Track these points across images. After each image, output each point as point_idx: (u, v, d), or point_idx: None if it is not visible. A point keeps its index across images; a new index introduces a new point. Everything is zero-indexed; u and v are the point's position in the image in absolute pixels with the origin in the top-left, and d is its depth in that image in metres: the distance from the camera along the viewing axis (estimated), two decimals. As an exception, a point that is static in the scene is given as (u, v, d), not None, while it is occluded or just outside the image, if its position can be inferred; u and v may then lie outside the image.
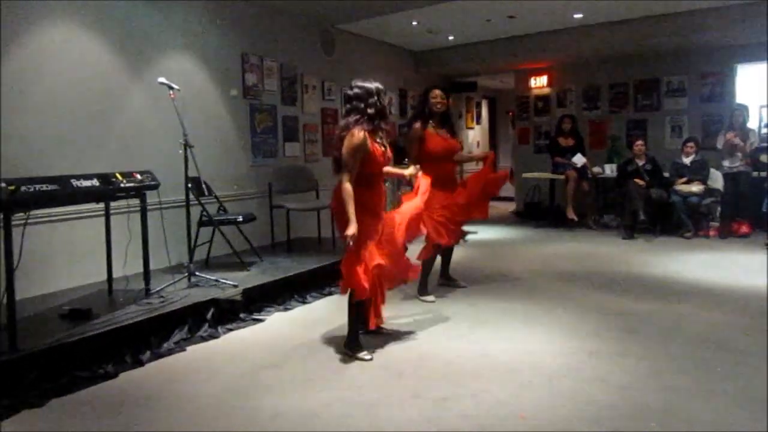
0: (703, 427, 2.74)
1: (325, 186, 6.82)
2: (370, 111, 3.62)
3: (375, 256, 3.62)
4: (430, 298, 5.10)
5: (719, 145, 7.96)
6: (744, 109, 8.06)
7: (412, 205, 4.04)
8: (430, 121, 4.93)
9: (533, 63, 10.51)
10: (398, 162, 6.15)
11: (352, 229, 3.48)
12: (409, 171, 4.13)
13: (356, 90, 3.67)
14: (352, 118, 3.63)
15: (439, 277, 5.54)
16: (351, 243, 3.51)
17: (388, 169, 3.98)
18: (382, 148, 3.71)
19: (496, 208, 12.84)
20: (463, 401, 3.07)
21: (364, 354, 3.71)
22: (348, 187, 3.54)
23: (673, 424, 2.77)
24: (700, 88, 9.31)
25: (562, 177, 9.03)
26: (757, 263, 6.23)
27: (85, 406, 3.14)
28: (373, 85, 3.67)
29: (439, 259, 5.34)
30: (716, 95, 9.17)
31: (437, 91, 4.95)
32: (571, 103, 10.51)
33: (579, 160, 8.88)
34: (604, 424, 2.79)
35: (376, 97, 3.65)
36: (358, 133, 3.55)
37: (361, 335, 3.87)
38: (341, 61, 8.45)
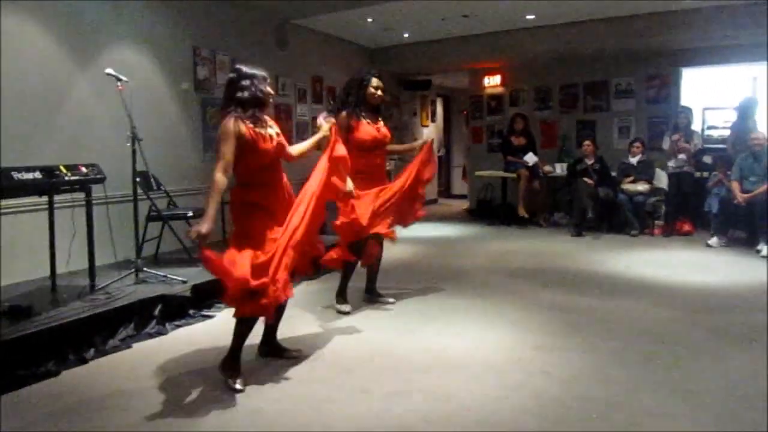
0: (645, 417, 2.82)
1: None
2: (239, 95, 3.21)
3: (245, 260, 3.04)
4: (346, 307, 4.62)
5: (665, 145, 8.19)
6: (688, 111, 8.31)
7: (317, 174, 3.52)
8: (361, 111, 4.42)
9: (487, 62, 10.63)
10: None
11: (204, 227, 2.96)
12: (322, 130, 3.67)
13: (231, 75, 3.33)
14: (226, 107, 3.26)
15: (364, 291, 4.97)
16: (196, 240, 3.00)
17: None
18: (269, 136, 3.28)
19: (450, 205, 12.99)
20: (412, 396, 3.09)
21: (235, 383, 3.19)
22: (218, 177, 3.08)
23: (615, 415, 2.84)
24: (646, 91, 9.57)
25: (514, 176, 9.17)
26: (698, 261, 6.45)
27: (25, 405, 3.05)
28: (252, 70, 3.30)
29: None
30: (662, 97, 9.44)
31: (377, 81, 4.46)
32: (524, 103, 10.65)
33: (531, 159, 9.03)
34: (548, 416, 2.85)
35: (249, 81, 3.24)
36: (227, 122, 3.15)
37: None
38: (295, 56, 8.40)
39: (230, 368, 3.26)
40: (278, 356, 3.63)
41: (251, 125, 3.19)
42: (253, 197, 3.26)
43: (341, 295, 4.69)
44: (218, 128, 3.22)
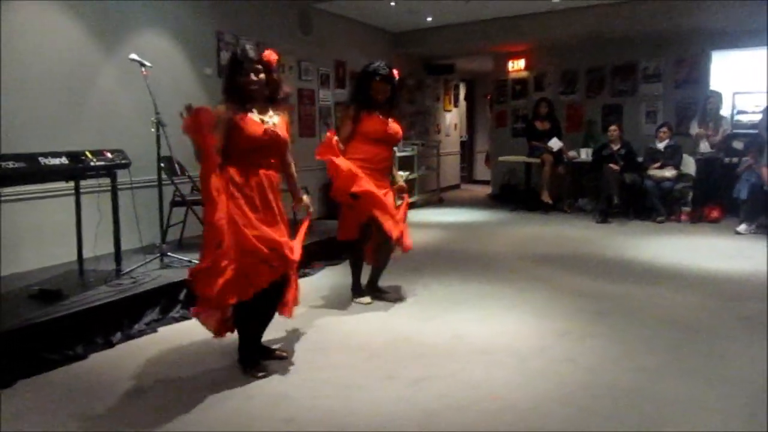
0: (673, 405, 2.78)
1: (301, 166, 6.77)
2: (230, 84, 3.11)
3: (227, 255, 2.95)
4: (365, 299, 4.54)
5: (692, 131, 8.04)
6: (717, 96, 8.14)
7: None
8: (372, 106, 4.30)
9: (511, 46, 10.48)
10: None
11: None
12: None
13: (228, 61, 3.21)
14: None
15: (365, 285, 4.70)
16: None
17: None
18: (263, 122, 3.14)
19: (473, 191, 12.93)
20: (436, 382, 3.08)
21: (257, 371, 3.19)
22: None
23: (642, 403, 2.81)
24: (675, 74, 9.38)
25: (538, 161, 9.08)
26: (728, 247, 6.33)
27: (54, 387, 3.10)
28: (239, 56, 3.14)
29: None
30: (691, 81, 9.23)
31: (377, 84, 4.24)
32: (549, 87, 10.52)
33: (555, 144, 8.92)
34: (574, 403, 2.82)
35: (237, 68, 3.11)
36: (218, 107, 3.06)
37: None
38: (318, 41, 8.36)
39: (248, 360, 3.25)
40: (263, 357, 3.38)
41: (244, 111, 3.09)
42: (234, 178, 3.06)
43: (356, 290, 4.61)
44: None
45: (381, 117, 4.32)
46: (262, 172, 3.13)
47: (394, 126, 4.39)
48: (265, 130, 3.12)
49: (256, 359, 3.27)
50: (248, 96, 3.13)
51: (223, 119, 3.02)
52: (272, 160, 3.22)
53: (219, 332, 3.18)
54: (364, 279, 4.67)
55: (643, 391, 2.93)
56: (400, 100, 4.57)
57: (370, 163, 4.26)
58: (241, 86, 3.12)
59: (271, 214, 3.15)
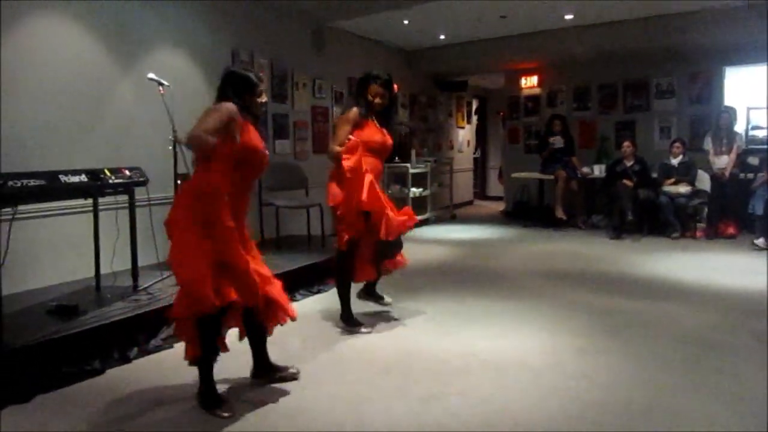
0: (688, 422, 2.77)
1: (315, 183, 6.83)
2: (237, 101, 3.10)
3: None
4: (366, 329, 4.29)
5: (706, 146, 8.02)
6: (731, 111, 8.12)
7: None
8: (370, 113, 4.25)
9: (524, 63, 10.54)
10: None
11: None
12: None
13: (228, 76, 3.21)
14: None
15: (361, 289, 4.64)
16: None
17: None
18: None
19: (486, 207, 12.92)
20: (449, 399, 3.08)
21: (221, 411, 2.96)
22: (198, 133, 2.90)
23: (658, 419, 2.80)
24: (688, 90, 9.37)
25: (551, 177, 9.08)
26: (743, 264, 6.29)
27: (72, 402, 3.13)
28: (244, 73, 3.21)
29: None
30: (704, 97, 9.22)
31: (376, 87, 4.21)
32: (561, 104, 10.55)
33: (558, 141, 9.06)
34: (589, 420, 2.81)
35: (244, 88, 3.15)
36: (228, 104, 3.03)
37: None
38: (332, 58, 8.45)
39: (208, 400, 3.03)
40: (272, 378, 3.35)
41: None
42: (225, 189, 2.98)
43: (349, 320, 4.33)
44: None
45: (377, 126, 4.27)
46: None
47: (387, 137, 4.32)
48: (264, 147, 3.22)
49: (219, 399, 3.06)
50: (256, 116, 3.23)
51: (227, 113, 3.00)
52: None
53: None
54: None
55: (657, 408, 2.92)
56: (396, 113, 4.39)
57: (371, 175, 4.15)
58: (253, 105, 3.20)
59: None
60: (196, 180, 3.04)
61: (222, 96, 3.15)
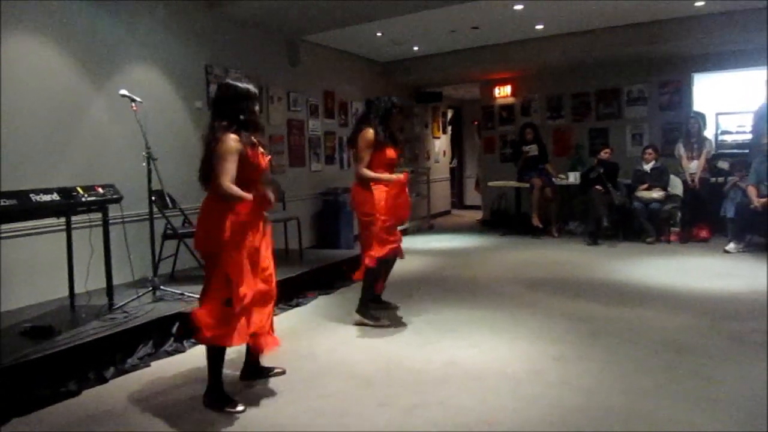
0: (667, 427, 2.79)
1: (292, 197, 6.81)
2: (241, 117, 3.16)
3: (250, 282, 3.18)
4: (380, 320, 4.72)
5: (677, 152, 8.16)
6: (700, 117, 8.27)
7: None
8: (386, 134, 4.72)
9: (497, 73, 10.65)
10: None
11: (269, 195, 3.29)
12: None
13: (224, 89, 3.23)
14: (219, 124, 3.13)
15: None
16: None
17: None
18: (260, 151, 3.28)
19: (463, 216, 12.98)
20: (430, 409, 3.08)
21: (233, 406, 3.16)
22: (228, 184, 3.04)
23: (637, 425, 2.82)
24: (659, 97, 9.53)
25: (527, 185, 9.16)
26: (717, 267, 6.39)
27: (48, 424, 3.07)
28: (244, 86, 3.22)
29: None
30: (674, 104, 9.39)
31: (400, 119, 4.92)
32: (535, 112, 10.66)
33: (533, 150, 9.16)
34: (569, 426, 2.83)
35: (246, 102, 3.20)
36: (228, 139, 3.06)
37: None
38: (307, 72, 8.46)
39: (220, 398, 3.22)
40: (261, 377, 3.61)
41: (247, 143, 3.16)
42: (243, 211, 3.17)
43: (364, 310, 4.74)
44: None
45: (389, 144, 4.74)
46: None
47: (396, 152, 4.85)
48: (269, 160, 3.40)
49: (226, 397, 3.24)
50: (255, 128, 3.27)
51: (236, 150, 3.08)
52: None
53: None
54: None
55: (637, 413, 2.95)
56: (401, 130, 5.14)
57: (387, 186, 4.64)
58: (252, 118, 3.23)
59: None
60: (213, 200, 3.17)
61: (219, 114, 3.18)
